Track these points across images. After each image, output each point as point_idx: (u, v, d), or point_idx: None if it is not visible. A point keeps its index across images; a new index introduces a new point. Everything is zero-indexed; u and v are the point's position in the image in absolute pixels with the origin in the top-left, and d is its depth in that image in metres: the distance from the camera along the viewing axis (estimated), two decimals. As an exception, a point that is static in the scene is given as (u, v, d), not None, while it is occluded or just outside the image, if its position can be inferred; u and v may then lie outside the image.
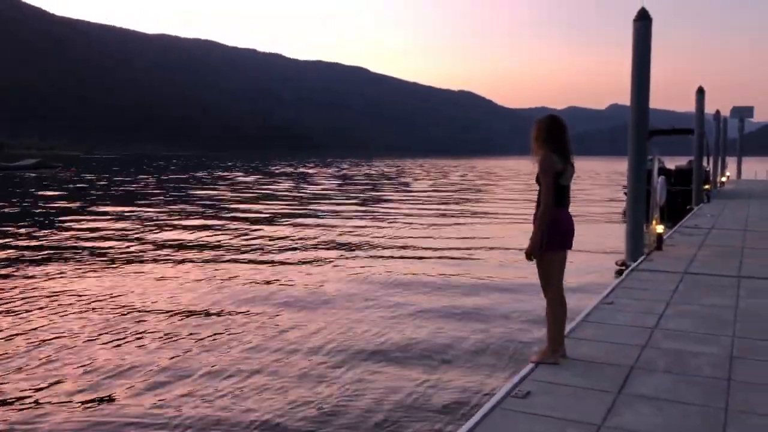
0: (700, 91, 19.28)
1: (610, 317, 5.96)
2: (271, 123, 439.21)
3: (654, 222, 10.23)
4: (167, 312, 8.14)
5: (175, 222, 19.06)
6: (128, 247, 13.86)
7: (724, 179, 30.65)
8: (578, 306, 6.99)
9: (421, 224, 18.57)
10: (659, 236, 10.15)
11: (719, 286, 7.35)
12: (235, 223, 19.02)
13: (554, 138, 4.43)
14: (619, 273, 8.98)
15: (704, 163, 20.97)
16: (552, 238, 4.37)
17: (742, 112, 35.43)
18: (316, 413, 5.02)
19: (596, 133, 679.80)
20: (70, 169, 66.44)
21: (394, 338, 7.05)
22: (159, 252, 13.17)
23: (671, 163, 22.51)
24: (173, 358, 6.37)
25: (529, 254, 4.42)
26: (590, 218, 20.09)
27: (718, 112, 27.90)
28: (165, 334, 7.15)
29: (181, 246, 14.08)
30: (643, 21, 9.55)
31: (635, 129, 9.77)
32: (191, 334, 7.20)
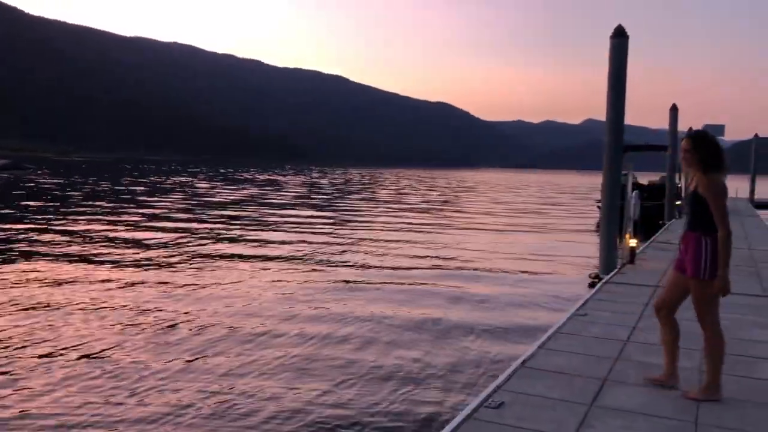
0: (674, 109, 19.66)
1: (583, 329, 5.99)
2: (250, 129, 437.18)
3: (627, 236, 10.35)
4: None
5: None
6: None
7: (695, 196, 31.11)
8: (552, 317, 7.00)
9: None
10: (632, 250, 10.26)
11: (690, 300, 7.40)
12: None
13: (719, 158, 4.03)
14: (592, 285, 9.04)
15: (676, 180, 21.36)
16: (714, 266, 4.17)
17: (714, 130, 36.04)
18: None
19: (571, 148, 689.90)
20: (41, 169, 65.21)
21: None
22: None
23: (644, 179, 22.80)
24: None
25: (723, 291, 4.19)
26: (564, 231, 20.28)
27: (690, 129, 28.41)
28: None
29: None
30: (619, 38, 9.70)
31: (610, 144, 9.90)
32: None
